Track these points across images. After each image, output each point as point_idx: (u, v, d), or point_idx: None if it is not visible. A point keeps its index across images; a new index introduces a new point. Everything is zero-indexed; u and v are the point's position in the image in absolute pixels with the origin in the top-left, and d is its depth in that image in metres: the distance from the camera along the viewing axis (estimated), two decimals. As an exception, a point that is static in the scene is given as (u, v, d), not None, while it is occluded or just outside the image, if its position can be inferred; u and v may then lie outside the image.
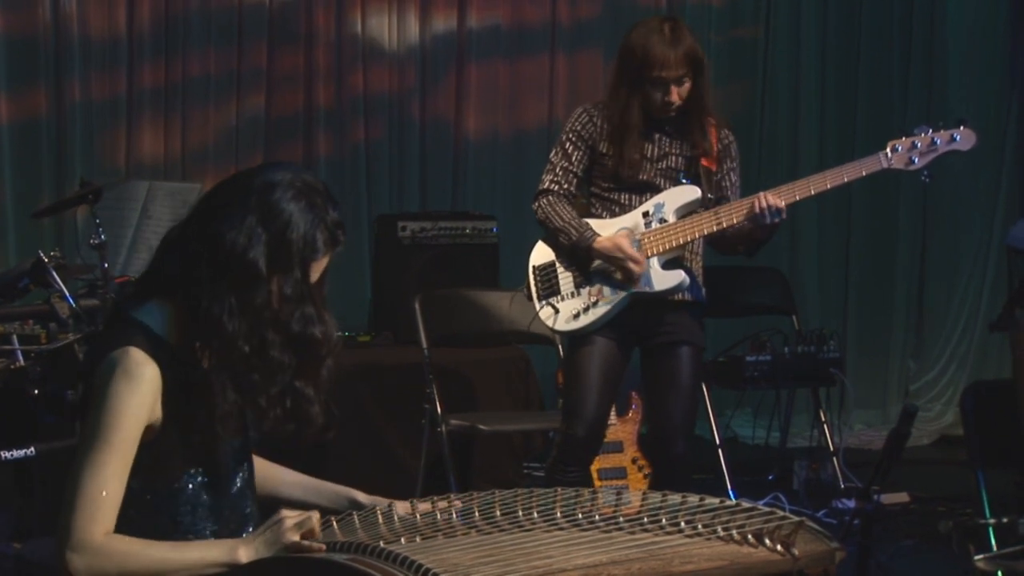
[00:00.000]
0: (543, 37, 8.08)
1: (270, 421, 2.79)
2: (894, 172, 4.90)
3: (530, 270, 5.03)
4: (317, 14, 7.59)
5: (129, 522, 2.69)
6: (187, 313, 2.69)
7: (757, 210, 4.71)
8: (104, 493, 2.63)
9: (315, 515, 2.65)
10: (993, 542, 3.83)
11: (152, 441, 2.69)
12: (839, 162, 8.24)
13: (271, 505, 2.89)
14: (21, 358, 5.09)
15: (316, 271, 2.76)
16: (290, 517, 2.62)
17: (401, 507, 2.84)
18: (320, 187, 2.79)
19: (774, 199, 4.71)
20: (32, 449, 4.79)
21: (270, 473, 3.08)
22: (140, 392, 2.64)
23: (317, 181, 2.80)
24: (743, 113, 8.08)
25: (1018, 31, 8.61)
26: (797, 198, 4.80)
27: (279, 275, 2.69)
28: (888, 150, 4.82)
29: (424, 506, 2.84)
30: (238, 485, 2.86)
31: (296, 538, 2.60)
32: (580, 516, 2.77)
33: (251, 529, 2.86)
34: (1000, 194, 8.60)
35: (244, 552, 2.63)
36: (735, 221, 4.81)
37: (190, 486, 2.76)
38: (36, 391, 5.02)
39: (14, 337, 5.15)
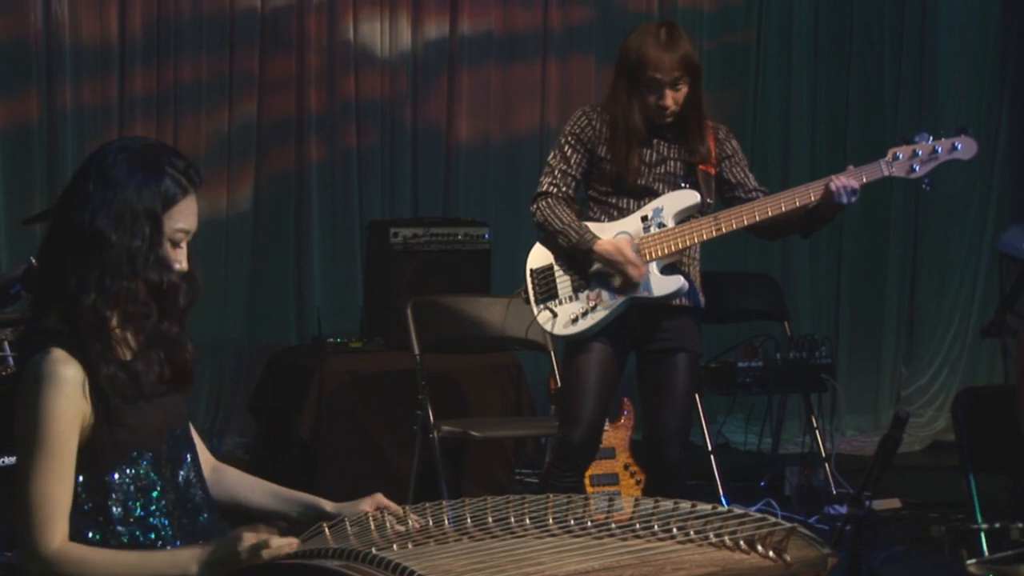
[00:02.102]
0: (535, 43, 8.08)
1: (152, 377, 2.82)
2: (895, 180, 4.91)
3: (528, 273, 5.02)
4: (309, 20, 7.59)
5: (84, 518, 2.74)
6: (69, 305, 2.76)
7: (833, 189, 4.72)
8: (52, 500, 2.68)
9: (273, 538, 2.64)
10: (985, 547, 3.84)
11: (90, 437, 2.74)
12: (831, 168, 8.30)
13: (240, 513, 2.92)
14: (12, 364, 5.09)
15: (182, 217, 2.83)
16: (248, 537, 2.63)
17: (368, 504, 2.88)
18: (155, 143, 2.89)
19: (847, 179, 4.73)
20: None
21: (241, 481, 3.12)
22: (65, 393, 2.69)
23: (151, 140, 2.91)
24: (734, 119, 8.06)
25: (1008, 37, 8.63)
26: (797, 204, 4.80)
27: (127, 232, 2.75)
28: (889, 158, 4.82)
29: (391, 504, 2.89)
30: (185, 473, 2.90)
31: (246, 555, 2.61)
32: (572, 522, 2.77)
33: (203, 518, 2.91)
34: (991, 199, 8.62)
35: (197, 569, 2.66)
36: (733, 226, 4.81)
37: (137, 471, 2.80)
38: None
39: (5, 343, 5.15)
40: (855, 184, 4.74)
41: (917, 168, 4.83)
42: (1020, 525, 3.61)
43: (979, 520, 3.90)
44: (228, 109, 7.51)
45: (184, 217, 2.82)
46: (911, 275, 8.66)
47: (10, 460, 4.77)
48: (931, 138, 4.84)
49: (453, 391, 6.54)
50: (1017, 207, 8.54)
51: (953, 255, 8.66)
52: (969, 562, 3.79)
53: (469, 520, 2.78)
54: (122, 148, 2.82)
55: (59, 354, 2.71)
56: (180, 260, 2.84)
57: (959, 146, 4.83)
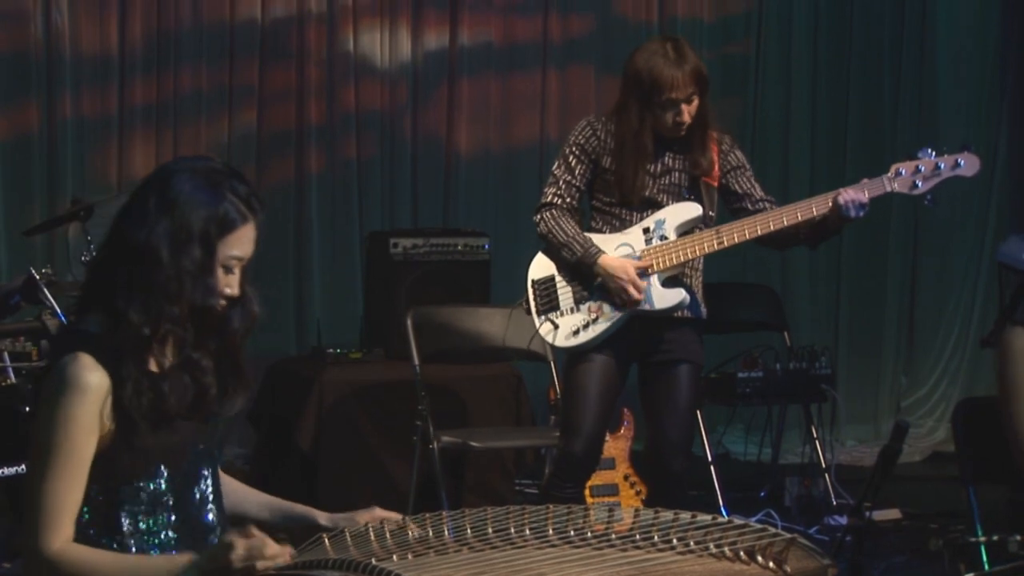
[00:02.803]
0: (535, 54, 8.08)
1: (174, 400, 2.81)
2: (897, 196, 4.92)
3: (529, 284, 5.02)
4: (309, 31, 7.59)
5: (93, 526, 2.75)
6: (111, 315, 2.76)
7: (842, 202, 4.72)
8: (59, 503, 2.68)
9: (268, 547, 2.63)
10: (984, 559, 3.84)
11: (108, 446, 2.74)
12: (830, 178, 8.30)
13: (239, 523, 2.92)
14: (12, 375, 5.09)
15: (238, 244, 2.82)
16: (240, 544, 2.62)
17: (364, 517, 2.87)
18: (219, 167, 2.87)
19: (856, 193, 4.73)
20: (23, 467, 4.79)
21: (239, 493, 3.12)
22: (87, 400, 2.69)
23: (217, 163, 2.89)
24: (734, 128, 8.06)
25: (1008, 47, 8.63)
26: (799, 218, 4.81)
27: (178, 254, 2.75)
28: (892, 173, 4.83)
29: (390, 515, 2.88)
30: (201, 489, 2.90)
31: (240, 564, 2.61)
32: (572, 533, 2.77)
33: (210, 541, 2.89)
34: (991, 210, 8.62)
35: (190, 574, 2.66)
36: (735, 240, 4.82)
37: (151, 485, 2.80)
38: (27, 408, 5.02)
39: (5, 354, 5.16)
40: (863, 198, 4.74)
41: (920, 184, 4.84)
42: (1019, 538, 3.61)
43: (979, 532, 3.89)
44: (228, 120, 7.51)
45: (240, 244, 2.81)
46: (911, 285, 8.66)
47: (9, 470, 4.78)
48: (934, 154, 4.85)
49: (453, 401, 6.54)
50: (1017, 216, 8.54)
51: (953, 264, 8.66)
52: (968, 575, 3.79)
53: (469, 531, 2.77)
54: (187, 168, 2.81)
55: (86, 360, 2.70)
56: (231, 285, 2.82)
57: (962, 163, 4.84)
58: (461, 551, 2.69)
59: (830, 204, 4.77)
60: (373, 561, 2.54)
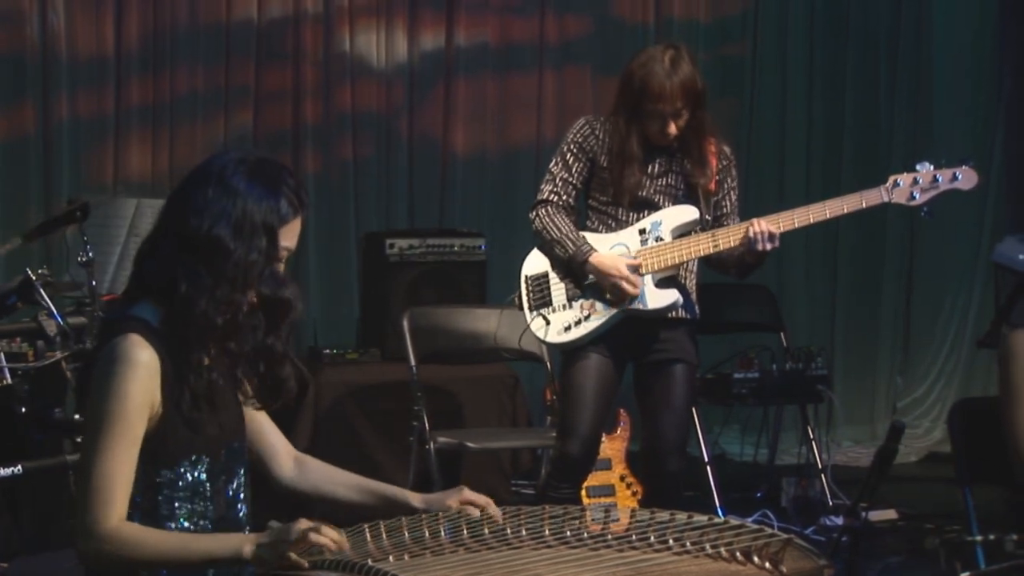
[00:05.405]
0: (531, 54, 8.08)
1: (251, 390, 2.91)
2: (895, 206, 4.93)
3: (522, 279, 5.02)
4: (305, 32, 7.59)
5: (134, 506, 2.75)
6: (171, 304, 2.78)
7: (751, 235, 4.73)
8: (113, 479, 2.70)
9: (327, 531, 2.65)
10: (980, 559, 3.84)
11: (155, 429, 2.76)
12: (826, 180, 8.30)
13: (326, 506, 2.94)
14: (8, 376, 5.09)
15: (289, 235, 2.87)
16: (304, 520, 2.65)
17: (452, 501, 2.89)
18: (272, 159, 2.91)
19: (768, 224, 4.73)
20: (19, 467, 4.79)
21: (326, 473, 3.17)
22: (139, 377, 2.72)
23: (268, 155, 2.94)
24: (730, 129, 8.08)
25: (1007, 48, 8.64)
26: (796, 225, 4.83)
27: (245, 244, 2.78)
28: (889, 184, 4.86)
29: (477, 498, 2.90)
30: (234, 487, 2.92)
31: (292, 553, 2.62)
32: (568, 534, 2.77)
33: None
34: (986, 211, 8.62)
35: (248, 550, 2.67)
36: (731, 244, 4.82)
37: (191, 474, 2.82)
38: (23, 409, 5.02)
39: (1, 355, 5.15)
40: (773, 230, 4.74)
41: (917, 196, 4.87)
42: (1015, 537, 3.61)
43: (974, 532, 3.90)
44: (224, 120, 7.50)
45: (290, 236, 2.87)
46: (907, 286, 8.66)
47: (6, 471, 4.78)
48: (932, 167, 4.88)
49: (449, 402, 6.54)
50: (1013, 216, 8.55)
51: (949, 267, 8.66)
52: (964, 575, 3.79)
53: (465, 531, 2.78)
54: (241, 160, 2.84)
55: (137, 339, 2.74)
56: None
57: (960, 176, 4.87)
58: (458, 552, 2.69)
59: (741, 234, 4.79)
60: (369, 562, 2.54)
